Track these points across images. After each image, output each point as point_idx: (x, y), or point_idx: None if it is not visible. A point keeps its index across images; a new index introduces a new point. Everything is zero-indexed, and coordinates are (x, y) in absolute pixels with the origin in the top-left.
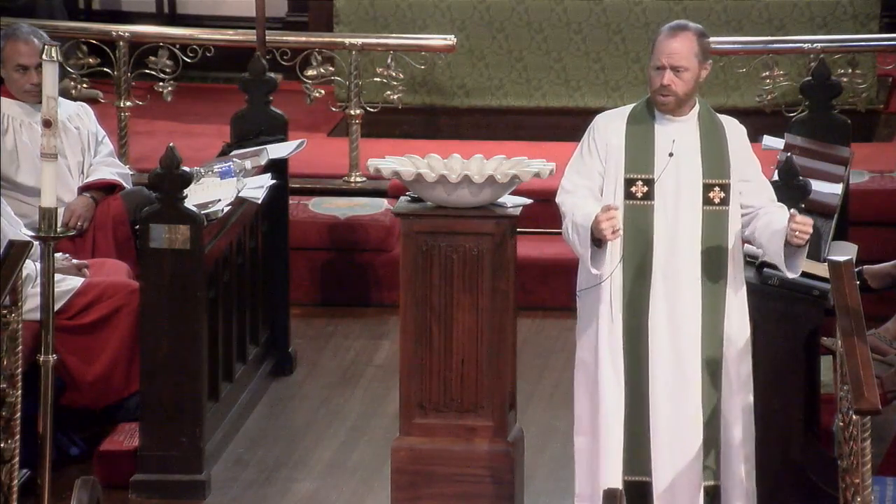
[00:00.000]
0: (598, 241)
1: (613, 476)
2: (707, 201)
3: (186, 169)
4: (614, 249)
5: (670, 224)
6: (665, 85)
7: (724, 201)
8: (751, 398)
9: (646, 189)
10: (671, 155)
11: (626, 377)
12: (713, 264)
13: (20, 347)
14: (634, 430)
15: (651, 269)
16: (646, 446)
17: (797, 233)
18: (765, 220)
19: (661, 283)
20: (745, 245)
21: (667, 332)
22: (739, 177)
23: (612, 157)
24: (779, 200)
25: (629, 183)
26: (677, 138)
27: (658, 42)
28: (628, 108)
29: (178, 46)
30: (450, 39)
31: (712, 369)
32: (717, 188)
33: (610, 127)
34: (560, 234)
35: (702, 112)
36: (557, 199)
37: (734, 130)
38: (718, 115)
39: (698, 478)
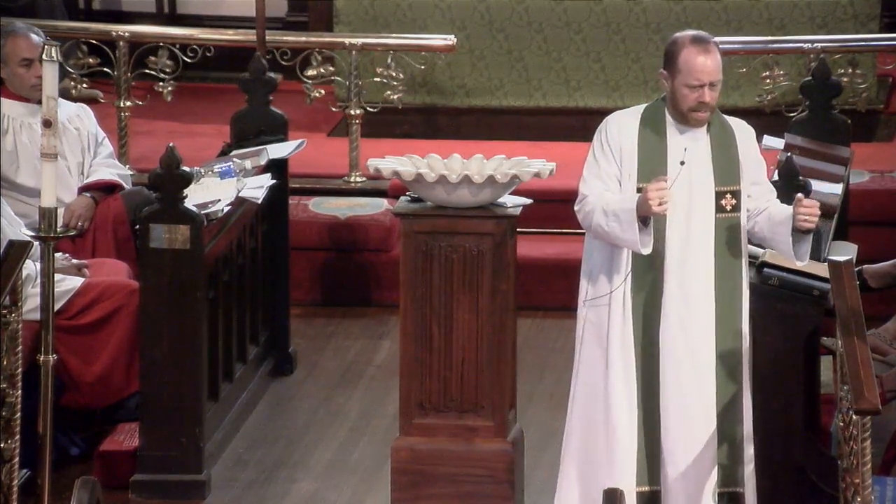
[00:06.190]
0: (643, 220)
1: (624, 487)
2: (720, 209)
3: (186, 169)
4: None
5: (683, 233)
6: (705, 102)
7: (736, 208)
8: (750, 399)
9: None
10: (682, 163)
11: (638, 390)
12: (728, 272)
13: (20, 347)
14: (646, 442)
15: (663, 279)
16: (657, 457)
17: (805, 217)
18: (765, 214)
19: (673, 294)
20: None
21: (681, 341)
22: (750, 180)
23: (626, 161)
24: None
25: (640, 192)
26: (689, 146)
27: (687, 59)
28: (638, 109)
29: (178, 46)
30: (450, 39)
31: (732, 380)
32: (728, 195)
33: (622, 129)
34: (559, 234)
35: (712, 117)
36: (577, 206)
37: (743, 133)
38: (727, 117)
39: (710, 491)
